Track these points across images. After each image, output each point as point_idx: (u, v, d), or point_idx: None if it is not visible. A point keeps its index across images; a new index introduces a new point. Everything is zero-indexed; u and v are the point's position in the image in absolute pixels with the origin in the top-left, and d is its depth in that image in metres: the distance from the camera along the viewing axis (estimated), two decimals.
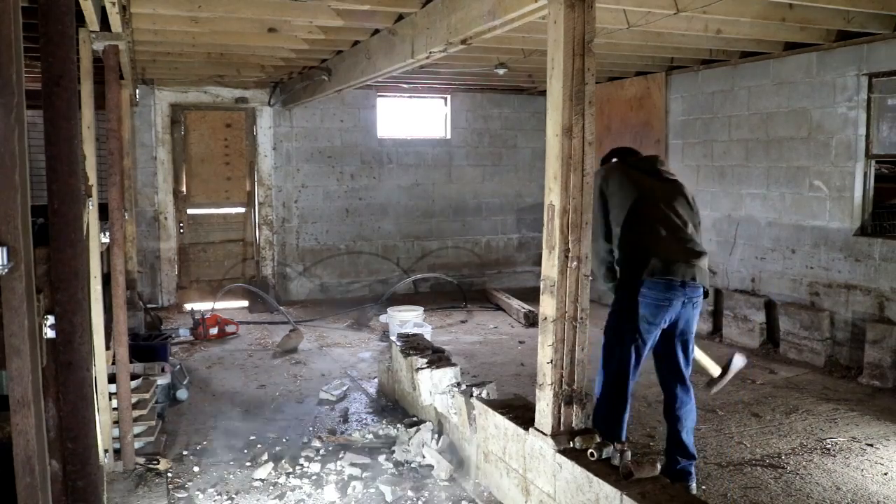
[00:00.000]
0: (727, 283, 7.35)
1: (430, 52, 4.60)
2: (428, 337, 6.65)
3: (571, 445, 3.25)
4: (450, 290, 9.46)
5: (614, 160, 4.04)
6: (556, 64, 3.20)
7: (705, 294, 3.77)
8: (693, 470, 3.87)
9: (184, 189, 8.83)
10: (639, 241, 3.70)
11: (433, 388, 4.53)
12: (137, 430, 4.16)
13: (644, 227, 3.71)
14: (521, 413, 3.71)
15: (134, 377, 4.37)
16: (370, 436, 4.61)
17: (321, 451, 4.38)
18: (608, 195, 3.78)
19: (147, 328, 7.05)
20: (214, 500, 3.82)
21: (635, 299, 3.70)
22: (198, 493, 3.89)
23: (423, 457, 4.19)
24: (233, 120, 8.96)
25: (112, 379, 3.99)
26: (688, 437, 3.86)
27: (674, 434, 3.87)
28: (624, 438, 3.79)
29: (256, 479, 4.02)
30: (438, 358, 4.76)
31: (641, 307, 3.68)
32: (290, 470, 4.11)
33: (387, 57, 5.34)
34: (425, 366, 4.62)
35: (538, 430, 3.40)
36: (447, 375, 4.46)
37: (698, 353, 4.00)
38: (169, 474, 4.09)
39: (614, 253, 3.85)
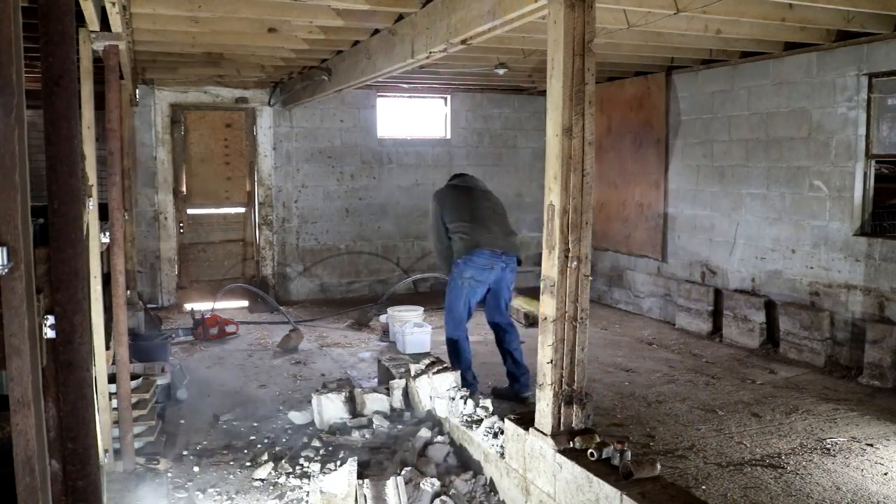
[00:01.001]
0: (727, 283, 7.35)
1: (430, 52, 4.60)
2: (428, 336, 6.66)
3: (571, 445, 3.26)
4: None
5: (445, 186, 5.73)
6: (556, 64, 3.20)
7: (519, 262, 5.38)
8: (529, 381, 5.22)
9: (184, 189, 8.83)
10: (468, 230, 5.24)
11: (433, 391, 4.57)
12: (137, 430, 4.16)
13: (469, 221, 5.28)
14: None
15: (134, 377, 4.37)
16: (370, 436, 4.61)
17: (321, 451, 4.38)
18: (443, 208, 5.38)
19: (147, 328, 7.05)
20: (214, 500, 3.82)
21: (466, 268, 5.17)
22: (198, 493, 3.90)
23: (425, 457, 4.19)
24: (233, 120, 8.96)
25: (112, 379, 3.99)
26: (520, 357, 5.35)
27: (510, 358, 5.36)
28: (470, 367, 5.34)
29: (256, 479, 4.02)
30: (437, 360, 4.84)
31: (470, 270, 5.16)
32: (290, 470, 4.11)
33: (387, 57, 5.34)
34: (422, 371, 4.70)
35: (538, 430, 3.40)
36: (447, 381, 4.51)
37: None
38: (169, 474, 4.09)
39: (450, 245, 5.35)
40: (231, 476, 4.11)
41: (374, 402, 4.82)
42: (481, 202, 5.48)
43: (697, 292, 7.53)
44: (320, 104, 9.05)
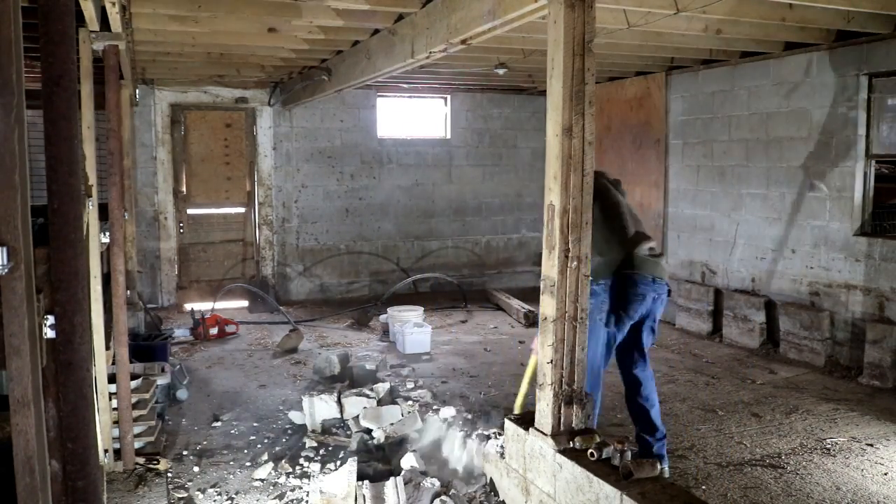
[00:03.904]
0: (727, 283, 7.35)
1: (430, 52, 4.60)
2: (428, 336, 6.67)
3: (571, 445, 3.25)
4: (450, 290, 9.46)
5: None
6: (556, 64, 3.20)
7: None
8: (665, 452, 4.04)
9: (184, 189, 8.83)
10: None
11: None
12: (137, 430, 4.16)
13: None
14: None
15: (134, 377, 4.37)
16: (358, 437, 4.60)
17: (321, 452, 4.38)
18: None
19: (147, 328, 7.05)
20: (214, 500, 3.82)
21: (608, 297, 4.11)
22: (198, 493, 3.89)
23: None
24: (233, 120, 8.96)
25: (112, 379, 3.99)
26: (657, 416, 4.05)
27: (643, 416, 4.05)
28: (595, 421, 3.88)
29: (256, 479, 4.02)
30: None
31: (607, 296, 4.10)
32: (290, 470, 4.11)
33: (387, 57, 5.34)
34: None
35: (538, 430, 3.40)
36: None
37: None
38: (169, 474, 4.09)
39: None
40: (231, 476, 4.11)
41: (355, 405, 4.71)
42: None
43: (697, 292, 7.53)
44: (320, 104, 9.05)
